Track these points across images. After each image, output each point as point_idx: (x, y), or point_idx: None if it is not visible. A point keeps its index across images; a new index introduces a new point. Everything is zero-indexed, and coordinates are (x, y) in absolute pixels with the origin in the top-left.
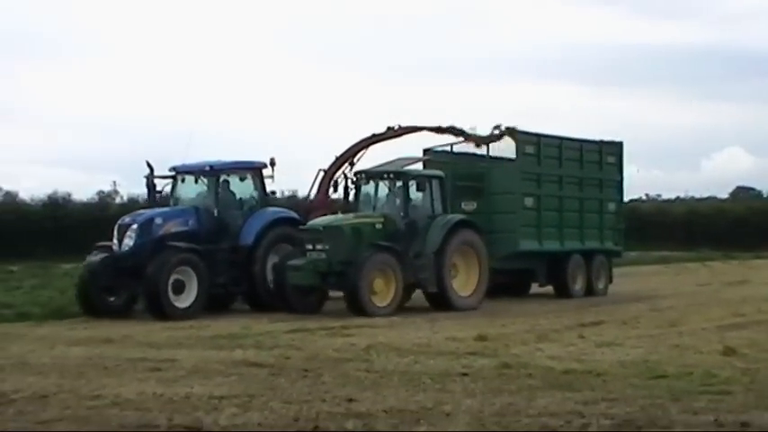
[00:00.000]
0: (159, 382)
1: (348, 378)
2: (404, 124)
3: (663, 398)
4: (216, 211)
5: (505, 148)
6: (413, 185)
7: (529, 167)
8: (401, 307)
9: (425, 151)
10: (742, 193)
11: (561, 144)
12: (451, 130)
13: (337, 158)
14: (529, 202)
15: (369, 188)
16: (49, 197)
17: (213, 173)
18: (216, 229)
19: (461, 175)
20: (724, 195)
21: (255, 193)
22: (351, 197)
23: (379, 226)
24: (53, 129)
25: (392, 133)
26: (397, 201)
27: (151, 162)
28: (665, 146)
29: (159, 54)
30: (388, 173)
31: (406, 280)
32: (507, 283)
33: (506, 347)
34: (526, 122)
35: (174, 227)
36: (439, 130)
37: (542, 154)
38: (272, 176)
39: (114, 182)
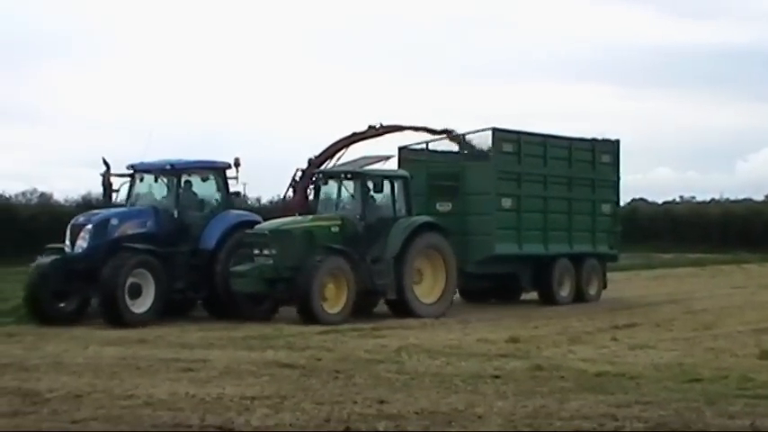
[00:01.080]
0: (192, 383)
1: (379, 379)
2: (386, 123)
3: (698, 401)
4: (176, 213)
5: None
6: (371, 186)
7: (507, 167)
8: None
9: (401, 150)
10: None
11: (546, 142)
12: (434, 130)
13: (316, 158)
14: (507, 203)
15: (330, 189)
16: (83, 198)
17: (174, 172)
18: (176, 232)
19: (436, 174)
20: (760, 197)
21: (218, 195)
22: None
23: (335, 229)
24: (87, 129)
25: (373, 132)
26: (358, 202)
27: (107, 158)
28: (700, 147)
29: (194, 58)
30: (346, 173)
31: (363, 286)
32: (494, 288)
33: (538, 349)
34: (556, 124)
35: (130, 228)
36: (422, 129)
37: (523, 152)
38: (236, 177)
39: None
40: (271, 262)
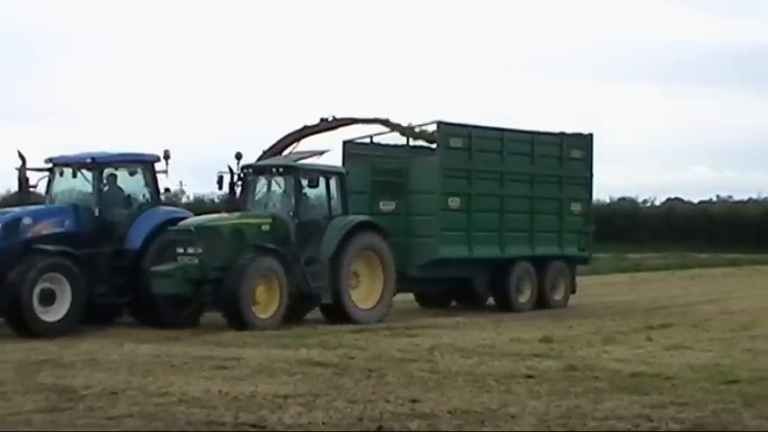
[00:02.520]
0: (225, 381)
1: (412, 378)
2: (339, 116)
3: (735, 403)
4: (97, 210)
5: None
6: (305, 182)
7: (454, 163)
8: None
9: (345, 143)
10: None
11: (503, 137)
12: (388, 123)
13: (264, 153)
14: (454, 202)
15: (261, 185)
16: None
17: (95, 165)
18: (98, 231)
19: (380, 170)
20: None
21: (147, 190)
22: (237, 194)
23: (265, 227)
24: (121, 129)
25: (326, 125)
26: (290, 199)
27: (22, 151)
28: (738, 146)
29: (231, 56)
30: (277, 167)
31: (296, 289)
32: (453, 293)
33: (572, 349)
34: (592, 123)
35: (46, 228)
36: (376, 122)
37: (474, 148)
38: (165, 171)
39: (181, 182)
40: (196, 261)
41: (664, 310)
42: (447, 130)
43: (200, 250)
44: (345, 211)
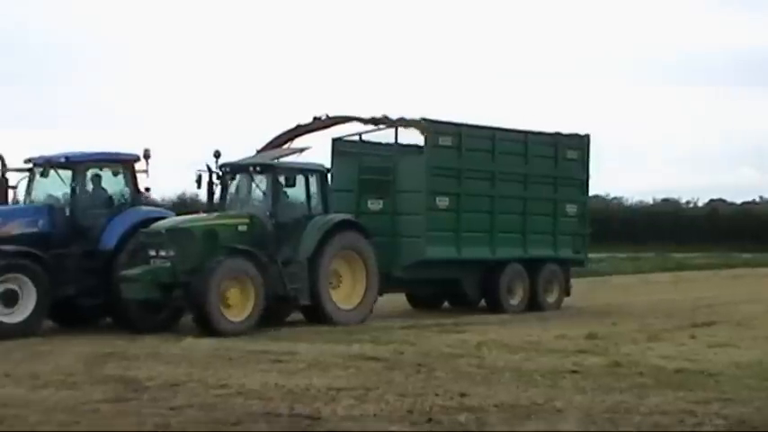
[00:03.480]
0: (281, 374)
1: (460, 373)
2: (332, 114)
3: None
4: (69, 211)
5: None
6: (283, 180)
7: (442, 162)
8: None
9: (334, 141)
10: None
11: (494, 135)
12: (385, 121)
13: (258, 152)
14: (443, 202)
15: (239, 184)
16: (179, 197)
17: (69, 165)
18: (72, 232)
19: (368, 168)
20: None
21: (126, 191)
22: (216, 194)
23: (242, 228)
24: (174, 130)
25: (320, 124)
26: (268, 198)
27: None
28: None
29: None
30: (254, 165)
31: (273, 291)
32: (445, 294)
33: (616, 346)
34: (637, 125)
35: (16, 228)
36: (372, 121)
37: (464, 147)
38: (146, 171)
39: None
40: (168, 264)
41: (708, 309)
42: (434, 127)
43: (171, 253)
44: (326, 210)
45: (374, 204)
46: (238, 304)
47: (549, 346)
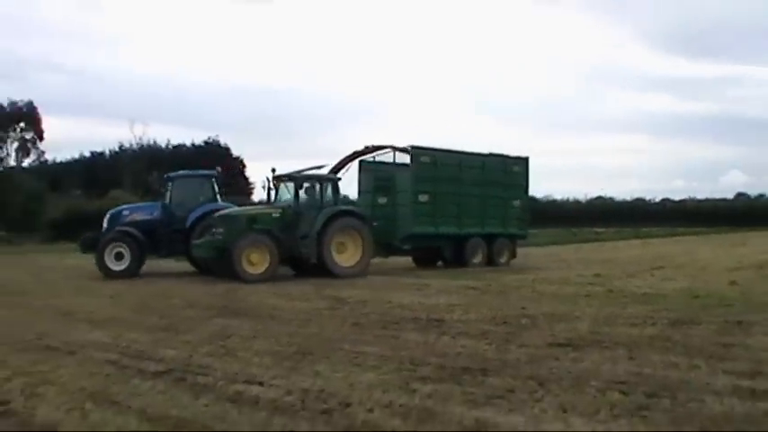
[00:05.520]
0: (421, 296)
1: (522, 297)
2: (375, 143)
3: (697, 308)
4: (170, 206)
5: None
6: (303, 186)
7: (423, 173)
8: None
9: (360, 162)
10: None
11: (460, 157)
12: (404, 150)
13: (331, 170)
14: (424, 198)
15: (283, 189)
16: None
17: (170, 179)
18: (170, 218)
19: (378, 177)
20: None
21: (208, 193)
22: (272, 195)
23: (276, 215)
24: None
25: (367, 150)
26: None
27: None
28: None
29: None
30: (287, 177)
31: (288, 253)
32: (439, 257)
33: (610, 280)
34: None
35: (138, 216)
36: (396, 148)
37: (439, 163)
38: (222, 181)
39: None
40: (219, 237)
41: (660, 260)
42: (418, 152)
43: (221, 230)
44: (336, 204)
45: (381, 200)
46: (259, 263)
47: (573, 281)
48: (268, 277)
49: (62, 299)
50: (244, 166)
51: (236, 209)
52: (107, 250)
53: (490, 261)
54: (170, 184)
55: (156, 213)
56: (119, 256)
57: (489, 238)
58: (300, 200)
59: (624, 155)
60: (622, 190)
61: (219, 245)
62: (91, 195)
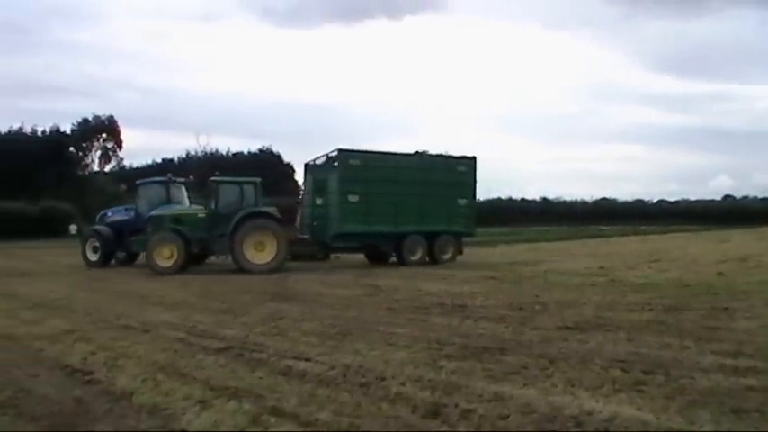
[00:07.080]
0: (447, 284)
1: (535, 286)
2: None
3: (687, 296)
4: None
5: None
6: (224, 189)
7: (352, 175)
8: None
9: (305, 165)
10: None
11: (394, 158)
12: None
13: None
14: (354, 198)
15: (211, 191)
16: None
17: (211, 184)
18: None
19: (316, 180)
20: None
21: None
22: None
23: (201, 215)
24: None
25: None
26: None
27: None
28: None
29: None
30: (213, 181)
31: (199, 249)
32: (389, 253)
33: (613, 272)
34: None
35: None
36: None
37: (369, 164)
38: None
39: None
40: (148, 235)
41: (657, 254)
42: (345, 154)
43: (149, 229)
44: (256, 206)
45: (319, 200)
46: (168, 257)
47: (580, 272)
48: (176, 270)
49: (137, 285)
50: (293, 171)
51: (165, 210)
52: (87, 244)
53: (431, 257)
54: (137, 190)
55: (129, 215)
56: (95, 250)
57: (430, 236)
58: (221, 202)
59: (624, 161)
60: (624, 192)
61: (145, 241)
62: None
